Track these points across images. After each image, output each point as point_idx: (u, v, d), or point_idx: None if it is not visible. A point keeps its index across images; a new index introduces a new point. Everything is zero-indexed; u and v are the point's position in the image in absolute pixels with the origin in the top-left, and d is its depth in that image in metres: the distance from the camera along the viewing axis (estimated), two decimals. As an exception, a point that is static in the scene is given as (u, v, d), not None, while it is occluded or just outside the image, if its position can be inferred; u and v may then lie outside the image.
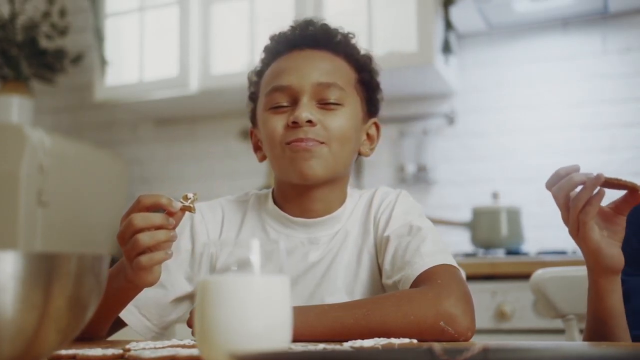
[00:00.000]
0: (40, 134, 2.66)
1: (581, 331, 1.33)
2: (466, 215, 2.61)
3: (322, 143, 1.11)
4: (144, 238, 0.91)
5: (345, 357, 0.54)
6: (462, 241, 2.56)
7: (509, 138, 2.72)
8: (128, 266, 0.94)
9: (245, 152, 3.10)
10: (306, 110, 1.10)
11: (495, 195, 2.53)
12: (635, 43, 2.61)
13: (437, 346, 0.55)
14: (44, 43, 3.18)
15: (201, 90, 2.84)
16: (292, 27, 1.21)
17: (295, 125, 1.10)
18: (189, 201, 0.94)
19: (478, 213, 2.51)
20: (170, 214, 0.93)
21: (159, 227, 0.91)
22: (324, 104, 1.13)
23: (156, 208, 0.93)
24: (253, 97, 1.24)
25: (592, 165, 2.59)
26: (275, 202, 1.20)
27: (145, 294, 1.09)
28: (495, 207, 2.49)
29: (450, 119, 2.79)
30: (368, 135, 1.22)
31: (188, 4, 2.86)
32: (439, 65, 2.55)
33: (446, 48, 2.57)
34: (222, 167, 3.15)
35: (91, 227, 2.86)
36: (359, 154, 1.21)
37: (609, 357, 0.55)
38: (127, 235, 0.91)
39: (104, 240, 2.90)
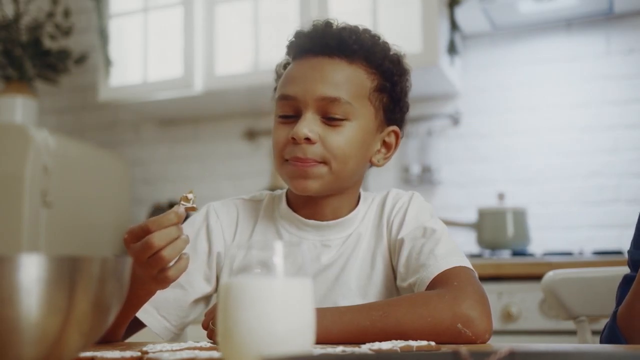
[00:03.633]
0: (44, 134, 2.65)
1: (593, 332, 1.33)
2: (470, 216, 2.61)
3: (321, 162, 1.09)
4: (170, 252, 0.91)
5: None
6: (467, 242, 2.56)
7: (513, 139, 2.72)
8: (150, 281, 0.95)
9: (249, 152, 3.10)
10: (305, 127, 1.08)
11: (500, 196, 2.53)
12: (639, 44, 2.61)
13: (463, 349, 0.55)
14: (48, 43, 3.18)
15: (205, 91, 2.83)
16: (313, 26, 1.17)
17: (294, 141, 1.09)
18: (191, 202, 0.94)
19: (484, 214, 2.51)
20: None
21: (179, 235, 0.92)
22: (328, 119, 1.10)
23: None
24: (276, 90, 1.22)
25: (595, 166, 2.60)
26: (288, 203, 1.20)
27: (164, 295, 1.09)
28: (501, 208, 2.49)
29: (455, 120, 2.80)
30: (385, 142, 1.18)
31: (192, 5, 2.86)
32: (443, 66, 2.55)
33: (451, 49, 2.57)
34: (225, 167, 3.15)
35: (95, 227, 2.85)
36: (371, 163, 1.18)
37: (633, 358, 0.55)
38: (146, 256, 0.91)
39: (108, 241, 2.90)
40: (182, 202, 0.93)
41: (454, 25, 2.57)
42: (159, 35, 2.98)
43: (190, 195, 0.94)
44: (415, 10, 2.54)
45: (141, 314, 1.10)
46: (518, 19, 2.66)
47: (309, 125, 1.08)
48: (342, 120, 1.10)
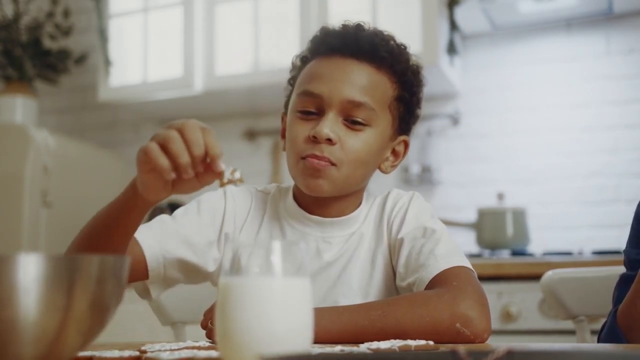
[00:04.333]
0: (44, 134, 2.66)
1: (592, 332, 1.33)
2: (470, 216, 2.61)
3: (334, 165, 1.09)
4: (177, 140, 0.81)
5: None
6: (467, 242, 2.56)
7: (513, 139, 2.72)
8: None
9: (249, 152, 3.10)
10: (328, 127, 1.08)
11: (500, 196, 2.53)
12: (639, 44, 2.61)
13: (461, 349, 0.55)
14: (48, 43, 3.18)
15: (205, 91, 2.84)
16: (344, 26, 1.16)
17: (315, 139, 1.08)
18: (228, 178, 0.86)
19: (483, 214, 2.51)
20: (208, 167, 0.84)
21: (192, 155, 0.82)
22: (350, 122, 1.10)
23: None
24: (292, 82, 1.21)
25: (595, 166, 2.60)
26: (295, 198, 1.19)
27: (176, 247, 1.10)
28: (501, 208, 2.49)
29: (455, 120, 2.80)
30: (394, 151, 1.19)
31: (192, 5, 2.86)
32: (443, 65, 2.55)
33: (451, 49, 2.57)
34: (225, 167, 3.15)
35: (95, 227, 2.85)
36: (379, 169, 1.18)
37: (634, 358, 0.55)
38: (172, 126, 0.83)
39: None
40: (230, 172, 0.86)
41: (453, 25, 2.57)
42: (159, 35, 2.98)
43: (237, 174, 0.87)
44: (415, 10, 2.54)
45: (143, 235, 1.07)
46: (518, 19, 2.66)
47: (332, 125, 1.08)
48: (363, 125, 1.10)
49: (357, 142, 1.10)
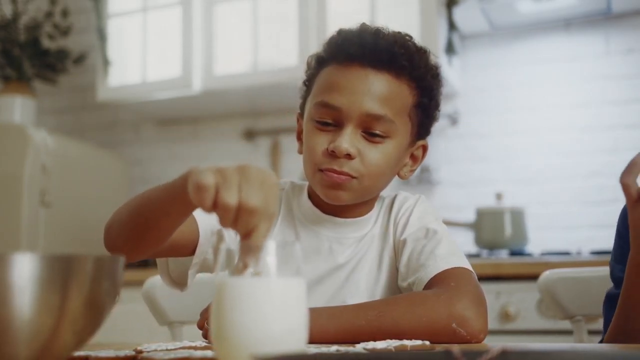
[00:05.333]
0: (43, 134, 2.66)
1: (590, 332, 1.33)
2: (469, 216, 2.61)
3: (355, 177, 1.07)
4: (231, 212, 0.73)
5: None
6: (465, 242, 2.56)
7: (512, 139, 2.72)
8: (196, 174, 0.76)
9: (249, 152, 3.10)
10: (347, 142, 1.05)
11: (499, 196, 2.53)
12: (638, 44, 2.61)
13: (455, 348, 0.55)
14: (47, 43, 3.18)
15: (204, 91, 2.84)
16: (361, 30, 1.13)
17: (333, 154, 1.06)
18: (248, 269, 0.70)
19: (482, 214, 2.51)
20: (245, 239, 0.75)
21: (234, 229, 0.76)
22: (369, 135, 1.08)
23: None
24: (307, 83, 1.18)
25: (595, 166, 2.60)
26: (309, 196, 1.18)
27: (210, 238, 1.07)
28: (499, 207, 2.49)
29: (454, 120, 2.79)
30: (412, 155, 1.18)
31: (191, 5, 2.86)
32: (442, 65, 2.54)
33: (449, 49, 2.57)
34: (225, 167, 3.14)
35: (93, 227, 2.85)
36: (398, 176, 1.17)
37: (628, 357, 0.55)
38: (244, 186, 0.74)
39: (107, 241, 2.89)
40: (254, 272, 0.74)
41: (452, 25, 2.57)
42: (158, 35, 2.98)
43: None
44: (414, 10, 2.54)
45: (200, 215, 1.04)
46: (517, 18, 2.66)
47: (351, 140, 1.06)
48: (382, 137, 1.08)
49: (376, 155, 1.08)
